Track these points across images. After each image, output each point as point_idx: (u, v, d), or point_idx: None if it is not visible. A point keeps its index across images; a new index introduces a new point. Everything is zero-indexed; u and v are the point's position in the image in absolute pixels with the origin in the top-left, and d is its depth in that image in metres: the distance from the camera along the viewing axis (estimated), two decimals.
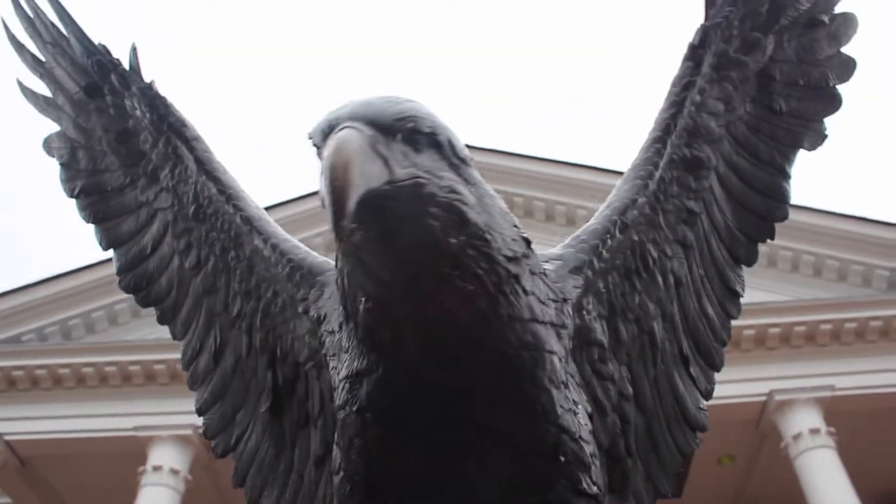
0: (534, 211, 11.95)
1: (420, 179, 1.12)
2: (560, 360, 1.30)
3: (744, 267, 1.80)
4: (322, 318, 1.51)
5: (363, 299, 1.19)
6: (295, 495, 1.67)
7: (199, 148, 1.90)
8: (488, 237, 1.19)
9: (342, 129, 1.08)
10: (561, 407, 1.27)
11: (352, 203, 1.03)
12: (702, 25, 1.80)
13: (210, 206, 1.83)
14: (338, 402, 1.29)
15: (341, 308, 1.29)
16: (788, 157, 1.85)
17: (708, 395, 1.70)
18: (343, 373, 1.28)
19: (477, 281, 1.17)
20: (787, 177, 1.84)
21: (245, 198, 1.82)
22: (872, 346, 10.28)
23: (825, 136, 1.86)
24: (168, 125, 1.93)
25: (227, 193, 1.81)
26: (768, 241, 1.83)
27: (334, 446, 1.37)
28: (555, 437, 1.26)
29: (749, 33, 1.82)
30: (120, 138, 2.02)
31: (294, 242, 1.72)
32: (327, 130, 1.11)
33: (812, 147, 1.85)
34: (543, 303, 1.29)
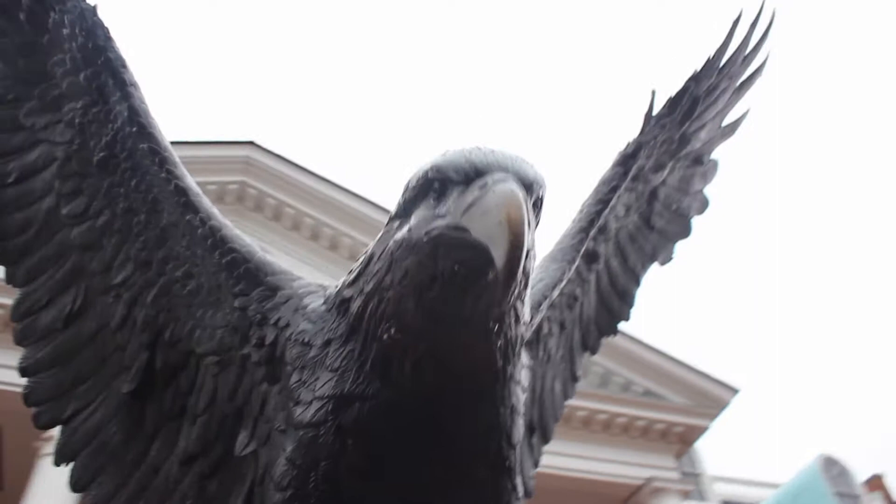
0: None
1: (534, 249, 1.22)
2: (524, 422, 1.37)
3: None
4: (273, 322, 1.46)
5: (392, 330, 1.22)
6: (141, 489, 1.56)
7: (135, 96, 1.67)
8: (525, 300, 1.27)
9: (506, 182, 1.13)
10: (519, 470, 1.36)
11: (519, 261, 1.10)
12: (636, 139, 2.01)
13: (129, 160, 1.63)
14: (307, 419, 1.30)
15: (339, 328, 1.31)
16: (645, 268, 2.13)
17: (537, 465, 1.84)
18: (324, 391, 1.29)
19: (505, 341, 1.24)
20: (639, 284, 2.11)
21: (182, 167, 1.64)
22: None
23: (673, 257, 2.18)
24: (105, 60, 1.69)
25: (162, 156, 1.62)
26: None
27: (283, 461, 1.34)
28: (511, 492, 1.35)
29: (661, 156, 2.08)
30: (23, 50, 1.76)
31: (237, 232, 1.60)
32: (473, 175, 1.16)
33: (663, 263, 2.17)
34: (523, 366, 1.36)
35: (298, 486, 1.30)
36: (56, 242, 1.67)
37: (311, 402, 1.31)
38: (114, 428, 1.58)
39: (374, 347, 1.25)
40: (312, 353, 1.35)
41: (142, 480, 1.56)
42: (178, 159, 1.64)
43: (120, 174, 1.64)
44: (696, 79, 1.94)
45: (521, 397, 1.33)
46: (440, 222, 1.17)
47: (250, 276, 1.51)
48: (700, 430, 11.28)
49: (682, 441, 11.26)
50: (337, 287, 1.39)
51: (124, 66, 1.69)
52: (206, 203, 1.60)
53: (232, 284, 1.52)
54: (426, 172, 1.21)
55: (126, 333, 1.60)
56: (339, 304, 1.34)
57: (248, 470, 1.46)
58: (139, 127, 1.64)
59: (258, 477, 1.43)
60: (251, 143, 11.40)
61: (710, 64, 1.94)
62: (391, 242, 1.25)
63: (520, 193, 1.11)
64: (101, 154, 1.66)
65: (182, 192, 1.59)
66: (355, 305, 1.29)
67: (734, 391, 11.35)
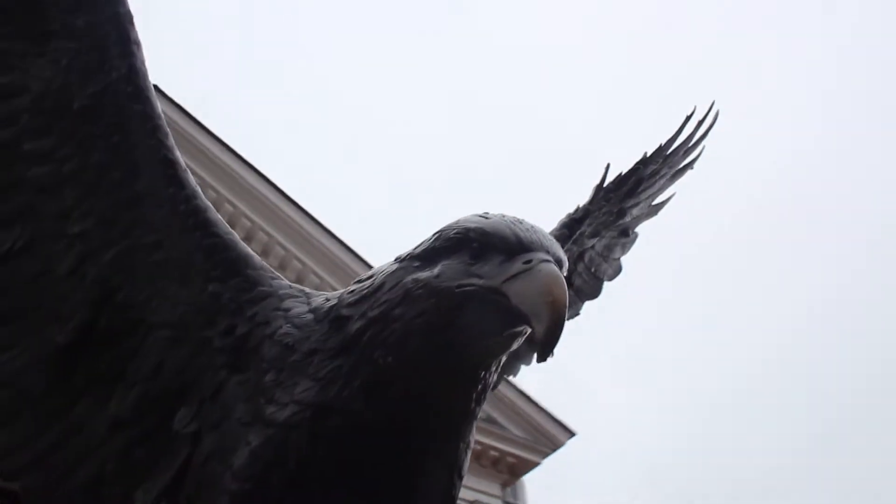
0: None
1: None
2: None
3: None
4: (249, 315, 1.49)
5: (390, 358, 1.31)
6: (56, 445, 1.53)
7: (137, 56, 1.61)
8: None
9: (550, 264, 1.25)
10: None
11: (559, 338, 1.22)
12: (585, 206, 2.24)
13: (116, 117, 1.57)
14: (281, 419, 1.35)
15: (330, 342, 1.37)
16: None
17: None
18: (304, 397, 1.35)
19: (483, 386, 1.38)
20: None
21: (172, 139, 1.60)
22: None
23: (580, 313, 2.39)
24: (112, 11, 1.61)
25: (155, 123, 1.57)
26: None
27: (246, 453, 1.39)
28: None
29: (599, 225, 2.32)
30: None
31: (220, 218, 1.59)
32: (517, 248, 1.27)
33: (570, 318, 2.28)
34: None
35: (261, 481, 1.36)
36: (9, 175, 1.59)
37: (287, 405, 1.36)
38: (37, 376, 1.55)
39: (366, 370, 1.33)
40: (295, 358, 1.40)
41: (60, 435, 1.53)
42: (169, 131, 1.61)
43: (102, 127, 1.58)
44: (644, 162, 2.17)
45: (474, 432, 1.44)
46: (477, 281, 1.27)
47: (230, 264, 1.53)
48: (531, 465, 11.51)
49: (511, 472, 11.47)
50: (330, 302, 1.45)
51: (131, 22, 1.62)
52: (193, 182, 1.58)
53: (208, 268, 1.52)
54: (468, 231, 1.31)
55: (71, 285, 1.56)
56: (335, 319, 1.40)
57: (182, 447, 1.47)
58: (136, 88, 1.59)
59: (199, 458, 1.45)
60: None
61: (660, 151, 2.19)
62: (409, 279, 1.33)
63: (564, 281, 1.23)
64: (85, 102, 1.59)
65: (170, 164, 1.56)
66: (354, 326, 1.36)
67: (571, 434, 11.66)
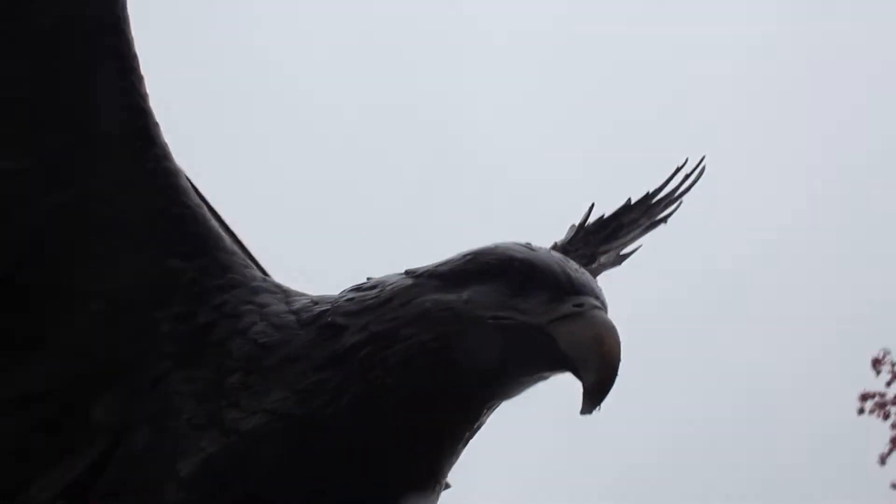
0: None
1: None
2: None
3: None
4: (216, 304, 1.33)
5: (389, 380, 1.20)
6: None
7: (120, 4, 1.40)
8: None
9: (602, 310, 1.17)
10: None
11: (608, 393, 1.12)
12: (563, 244, 2.18)
13: (83, 48, 1.36)
14: (246, 427, 1.21)
15: (317, 350, 1.25)
16: None
17: None
18: (277, 407, 1.22)
19: (484, 419, 1.29)
20: None
21: (146, 87, 1.39)
22: None
23: None
24: None
25: (128, 64, 1.36)
26: None
27: (197, 460, 1.23)
28: None
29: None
30: None
31: (191, 187, 1.40)
32: (567, 289, 1.18)
33: None
34: None
35: (213, 496, 1.20)
36: None
37: (255, 413, 1.22)
38: None
39: (357, 388, 1.20)
40: (271, 362, 1.25)
41: None
42: (144, 77, 1.37)
43: (66, 55, 1.35)
44: (628, 208, 2.10)
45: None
46: (518, 316, 1.17)
47: (199, 241, 1.35)
48: None
49: None
50: (320, 306, 1.30)
51: None
52: (164, 140, 1.37)
53: (171, 240, 1.33)
54: (512, 260, 1.21)
55: None
56: (326, 326, 1.26)
57: (99, 440, 1.27)
58: (113, 19, 1.35)
59: (124, 456, 1.25)
60: None
61: (645, 200, 2.13)
62: (428, 299, 1.22)
63: (617, 330, 1.15)
64: (47, 22, 1.34)
65: (141, 113, 1.35)
66: (351, 339, 1.23)
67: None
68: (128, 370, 1.30)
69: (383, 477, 1.21)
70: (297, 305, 1.32)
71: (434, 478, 1.25)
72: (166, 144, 1.36)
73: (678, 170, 2.14)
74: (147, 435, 1.26)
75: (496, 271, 1.21)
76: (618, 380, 1.13)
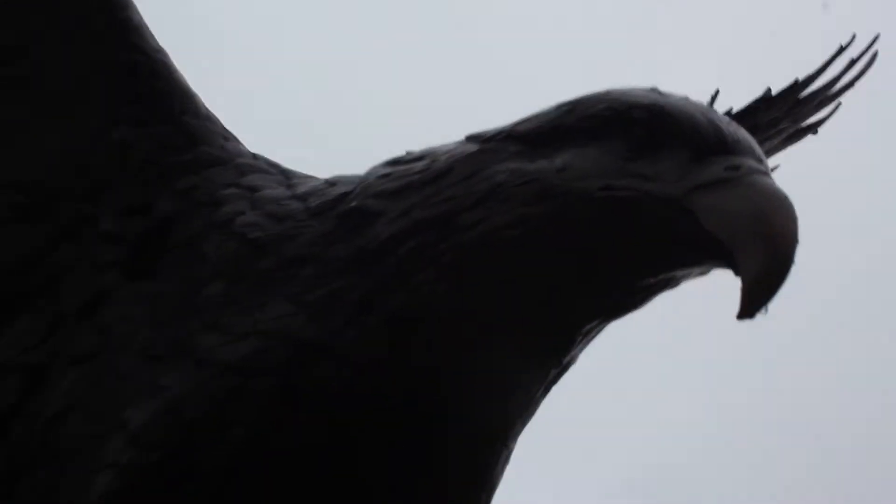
0: None
1: None
2: None
3: None
4: (182, 188, 1.01)
5: (442, 285, 0.84)
6: None
7: None
8: None
9: (766, 176, 0.81)
10: None
11: (774, 295, 0.76)
12: None
13: None
14: (231, 357, 0.87)
15: (336, 248, 0.89)
16: None
17: None
18: (278, 326, 0.87)
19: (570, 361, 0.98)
20: None
21: None
22: None
23: None
24: None
25: None
26: None
27: (156, 406, 0.88)
28: None
29: None
30: None
31: (148, 29, 1.08)
32: (715, 145, 0.82)
33: None
34: None
35: (178, 453, 0.84)
36: None
37: (246, 336, 0.86)
38: None
39: (397, 299, 0.84)
40: (266, 266, 0.89)
41: None
42: None
43: None
44: (767, 102, 1.55)
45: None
46: (641, 184, 0.81)
47: (158, 102, 0.99)
48: None
49: None
50: (340, 187, 0.93)
51: None
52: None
53: (118, 102, 0.98)
54: (630, 108, 0.84)
55: None
56: (348, 213, 0.89)
57: (8, 386, 0.93)
58: None
59: (39, 412, 0.90)
60: None
61: (792, 91, 1.57)
62: (500, 168, 0.85)
63: (792, 202, 0.79)
64: None
65: None
66: (387, 229, 0.86)
67: None
68: (49, 288, 0.95)
69: (427, 434, 0.86)
70: (304, 188, 0.96)
71: (501, 438, 0.90)
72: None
73: (840, 51, 1.58)
74: (76, 377, 0.90)
75: (608, 126, 0.84)
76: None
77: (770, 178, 0.81)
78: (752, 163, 0.81)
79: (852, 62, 1.57)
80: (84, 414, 0.89)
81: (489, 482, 0.91)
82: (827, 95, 1.60)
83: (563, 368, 0.90)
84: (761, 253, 0.74)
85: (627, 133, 0.83)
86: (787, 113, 1.59)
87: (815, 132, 1.62)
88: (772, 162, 1.66)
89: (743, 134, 0.85)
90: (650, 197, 0.79)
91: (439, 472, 0.88)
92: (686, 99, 0.86)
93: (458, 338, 0.84)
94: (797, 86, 1.54)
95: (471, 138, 0.89)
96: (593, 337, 0.90)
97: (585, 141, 0.84)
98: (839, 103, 1.59)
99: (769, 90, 1.51)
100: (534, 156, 0.84)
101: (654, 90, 0.86)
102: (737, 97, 1.48)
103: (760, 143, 1.58)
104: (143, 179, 0.96)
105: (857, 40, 1.56)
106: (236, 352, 0.85)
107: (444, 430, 0.86)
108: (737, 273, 0.75)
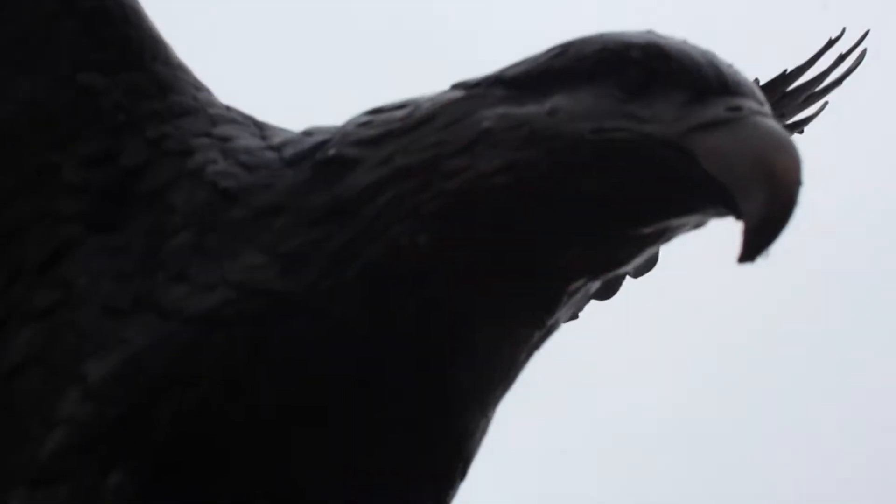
0: None
1: None
2: None
3: None
4: (152, 137, 0.97)
5: (422, 238, 0.80)
6: None
7: None
8: None
9: (767, 118, 0.77)
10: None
11: (778, 232, 0.72)
12: None
13: None
14: (198, 309, 0.83)
15: (312, 197, 0.85)
16: None
17: None
18: (248, 278, 0.83)
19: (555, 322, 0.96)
20: None
21: None
22: None
23: (576, 316, 1.73)
24: None
25: None
26: None
27: (117, 359, 0.86)
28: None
29: None
30: None
31: None
32: (715, 85, 0.78)
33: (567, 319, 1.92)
34: None
35: (140, 406, 0.80)
36: None
37: (214, 287, 0.82)
38: None
39: (373, 251, 0.80)
40: (237, 215, 0.85)
41: None
42: None
43: None
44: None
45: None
46: (636, 126, 0.76)
47: (128, 48, 0.95)
48: None
49: None
50: (316, 136, 0.89)
51: None
52: None
53: (86, 47, 0.94)
54: (627, 47, 0.80)
55: None
56: (325, 162, 0.85)
57: None
58: None
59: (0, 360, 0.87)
60: None
61: (781, 82, 1.53)
62: (488, 113, 0.81)
63: (794, 142, 0.75)
64: None
65: None
66: (366, 177, 0.82)
67: None
68: (10, 243, 0.91)
69: (401, 396, 0.82)
70: (278, 139, 0.91)
71: (480, 405, 0.86)
72: None
73: (830, 44, 1.55)
74: (34, 333, 0.85)
75: (602, 67, 0.79)
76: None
77: (773, 120, 0.77)
78: (754, 104, 0.77)
79: (841, 57, 1.53)
80: (41, 369, 0.84)
81: (466, 451, 0.87)
82: (814, 91, 1.57)
83: (548, 331, 0.86)
84: (764, 194, 0.70)
85: (623, 74, 0.79)
86: (773, 106, 1.55)
87: (801, 131, 1.58)
88: None
89: (745, 76, 0.81)
90: (646, 138, 0.75)
91: (413, 438, 0.83)
92: (685, 41, 0.82)
93: (437, 294, 0.80)
94: (785, 77, 1.50)
95: (457, 86, 0.85)
96: (578, 298, 0.86)
97: (578, 83, 0.80)
98: (826, 102, 1.55)
99: (756, 80, 1.45)
100: (523, 100, 0.80)
101: (650, 32, 0.82)
102: None
103: None
104: (111, 128, 0.92)
105: (847, 35, 1.53)
106: (203, 303, 0.80)
107: (419, 393, 0.82)
108: (738, 216, 0.72)
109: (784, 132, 0.75)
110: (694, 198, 0.76)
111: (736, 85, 0.79)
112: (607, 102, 0.78)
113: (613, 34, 0.82)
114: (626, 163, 0.76)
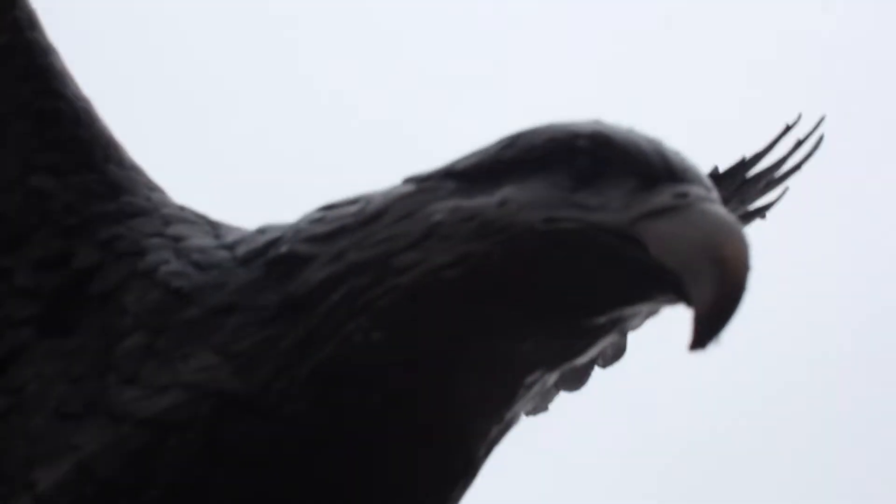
0: None
1: None
2: None
3: None
4: (104, 238, 0.97)
5: (377, 334, 0.80)
6: None
7: None
8: None
9: (715, 203, 0.78)
10: None
11: (728, 321, 0.72)
12: None
13: None
14: (149, 411, 0.83)
15: (264, 295, 0.85)
16: None
17: None
18: (201, 379, 0.83)
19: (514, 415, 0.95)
20: None
21: None
22: None
23: (546, 409, 1.62)
24: None
25: None
26: None
27: (68, 465, 0.86)
28: None
29: None
30: None
31: (70, 76, 1.06)
32: (663, 173, 0.79)
33: (530, 413, 1.61)
34: None
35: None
36: None
37: (166, 389, 0.82)
38: None
39: (327, 349, 0.79)
40: (190, 315, 0.85)
41: None
42: None
43: None
44: (715, 180, 1.49)
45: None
46: (585, 215, 0.76)
47: (80, 150, 0.96)
48: None
49: None
50: (269, 234, 0.89)
51: None
52: (31, 5, 1.01)
53: (37, 149, 0.95)
54: (574, 137, 0.80)
55: None
56: (278, 260, 0.85)
57: None
58: None
59: None
60: None
61: (739, 170, 1.52)
62: (438, 207, 0.81)
63: (743, 229, 0.75)
64: None
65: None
66: (318, 273, 0.82)
67: None
68: None
69: (353, 499, 0.81)
70: (231, 237, 0.92)
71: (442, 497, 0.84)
72: (34, 11, 0.99)
73: (787, 130, 1.53)
74: None
75: (550, 158, 0.80)
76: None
77: (720, 205, 0.77)
78: (700, 190, 0.77)
79: (799, 143, 1.54)
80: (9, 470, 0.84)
81: None
82: (774, 177, 1.57)
83: (506, 426, 0.85)
84: (713, 280, 0.70)
85: (571, 164, 0.80)
86: (734, 193, 1.55)
87: (762, 216, 1.58)
88: None
89: (691, 162, 0.81)
90: (595, 227, 0.75)
91: None
92: (631, 129, 0.83)
93: (391, 391, 0.79)
94: (744, 164, 1.50)
95: (408, 180, 0.85)
96: (536, 391, 0.85)
97: (528, 174, 0.80)
98: (787, 188, 1.55)
99: (716, 168, 1.47)
100: (474, 192, 0.80)
101: (597, 121, 0.83)
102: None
103: None
104: (63, 230, 0.92)
105: (802, 120, 1.53)
106: (155, 406, 0.80)
107: (371, 496, 0.81)
108: (688, 303, 0.71)
109: (731, 218, 0.75)
110: (644, 285, 0.76)
111: (683, 171, 0.79)
112: (556, 192, 0.78)
113: (561, 124, 0.83)
114: (577, 252, 0.76)
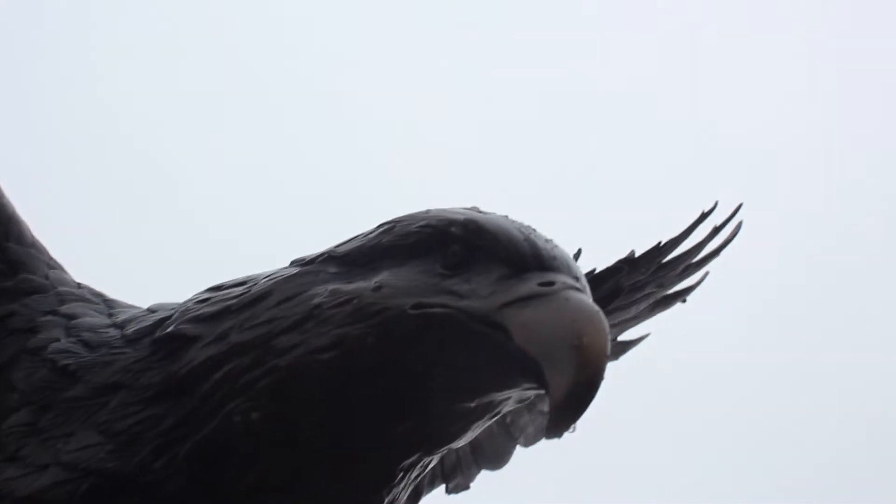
0: None
1: None
2: None
3: None
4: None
5: (255, 415, 0.82)
6: None
7: None
8: None
9: (586, 296, 0.81)
10: None
11: (587, 407, 0.76)
12: None
13: None
14: (26, 491, 0.84)
15: (149, 375, 0.88)
16: None
17: None
18: (81, 459, 0.84)
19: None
20: None
21: None
22: None
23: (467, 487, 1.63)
24: None
25: None
26: None
27: None
28: None
29: None
30: None
31: None
32: (532, 262, 0.82)
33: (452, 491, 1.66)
34: None
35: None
36: None
37: (45, 468, 0.84)
38: None
39: (206, 430, 0.82)
40: (75, 394, 0.87)
41: None
42: None
43: None
44: (631, 263, 1.52)
45: None
46: (453, 301, 0.80)
47: None
48: None
49: None
50: (158, 314, 0.92)
51: None
52: None
53: None
54: (448, 224, 0.84)
55: None
56: (164, 340, 0.87)
57: None
58: None
59: None
60: None
61: (655, 254, 1.54)
62: (318, 290, 0.84)
63: (603, 317, 0.78)
64: None
65: None
66: (202, 353, 0.84)
67: None
68: None
69: None
70: (123, 316, 0.94)
71: None
72: None
73: (703, 217, 1.56)
74: None
75: (425, 244, 0.84)
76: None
77: (585, 294, 0.80)
78: (567, 279, 0.80)
79: (716, 229, 1.56)
80: None
81: None
82: (692, 262, 1.59)
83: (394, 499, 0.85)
84: (570, 368, 0.72)
85: (444, 250, 0.83)
86: (651, 277, 1.58)
87: (683, 300, 1.60)
88: (642, 329, 1.64)
89: (560, 251, 0.84)
90: (462, 313, 0.77)
91: None
92: (505, 217, 0.86)
93: (270, 470, 0.80)
94: (660, 249, 1.53)
95: (293, 262, 0.88)
96: (416, 476, 0.86)
97: (404, 259, 0.83)
98: (707, 272, 1.58)
99: (633, 252, 1.50)
100: (352, 276, 0.83)
101: (473, 208, 0.86)
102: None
103: (626, 307, 1.57)
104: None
105: (719, 207, 1.55)
106: (32, 484, 0.81)
107: None
108: (546, 391, 0.73)
109: (593, 306, 0.78)
110: (509, 372, 0.77)
111: (551, 260, 0.82)
112: (429, 278, 0.81)
113: (437, 211, 0.86)
114: (445, 337, 0.78)
